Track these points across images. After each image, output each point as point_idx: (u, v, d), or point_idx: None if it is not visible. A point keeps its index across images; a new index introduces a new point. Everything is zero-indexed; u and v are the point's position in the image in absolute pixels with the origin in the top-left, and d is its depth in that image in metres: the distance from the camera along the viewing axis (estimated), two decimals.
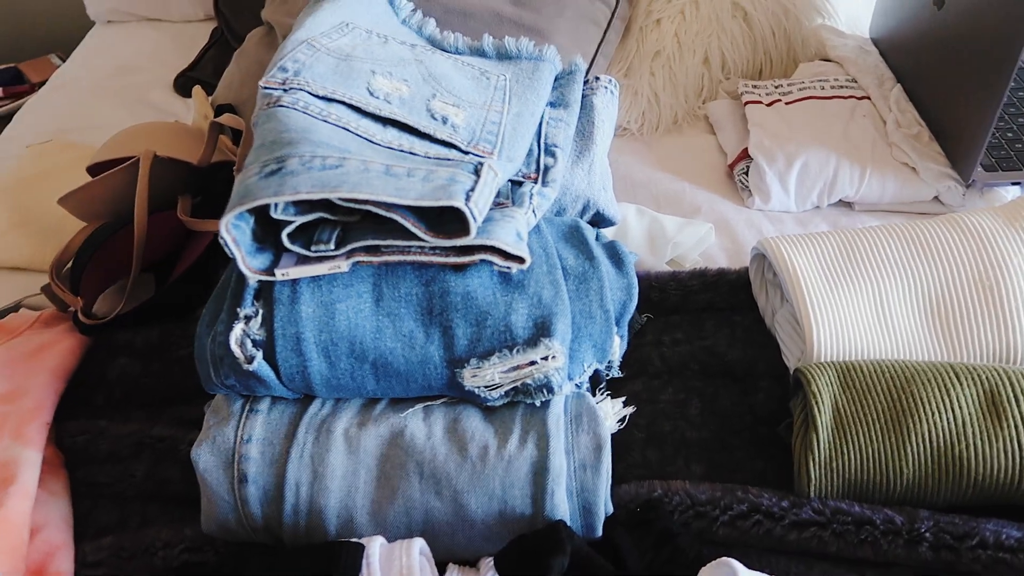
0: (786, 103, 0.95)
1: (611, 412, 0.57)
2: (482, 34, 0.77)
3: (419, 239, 0.52)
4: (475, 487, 0.53)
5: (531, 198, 0.59)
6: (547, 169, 0.64)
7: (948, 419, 0.54)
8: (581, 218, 0.70)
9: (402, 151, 0.59)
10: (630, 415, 0.63)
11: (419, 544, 0.50)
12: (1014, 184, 0.83)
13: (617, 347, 0.59)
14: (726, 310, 0.73)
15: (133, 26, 1.42)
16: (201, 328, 0.57)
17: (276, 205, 0.51)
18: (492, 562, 0.50)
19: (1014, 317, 0.61)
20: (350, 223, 0.55)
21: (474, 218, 0.51)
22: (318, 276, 0.55)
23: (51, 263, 0.79)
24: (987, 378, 0.55)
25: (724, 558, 0.48)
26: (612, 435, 0.58)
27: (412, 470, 0.54)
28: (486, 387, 0.54)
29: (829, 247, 0.67)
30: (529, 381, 0.53)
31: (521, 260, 0.54)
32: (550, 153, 0.65)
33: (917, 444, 0.53)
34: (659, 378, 0.69)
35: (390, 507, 0.53)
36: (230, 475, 0.55)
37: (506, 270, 0.54)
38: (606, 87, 0.75)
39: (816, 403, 0.55)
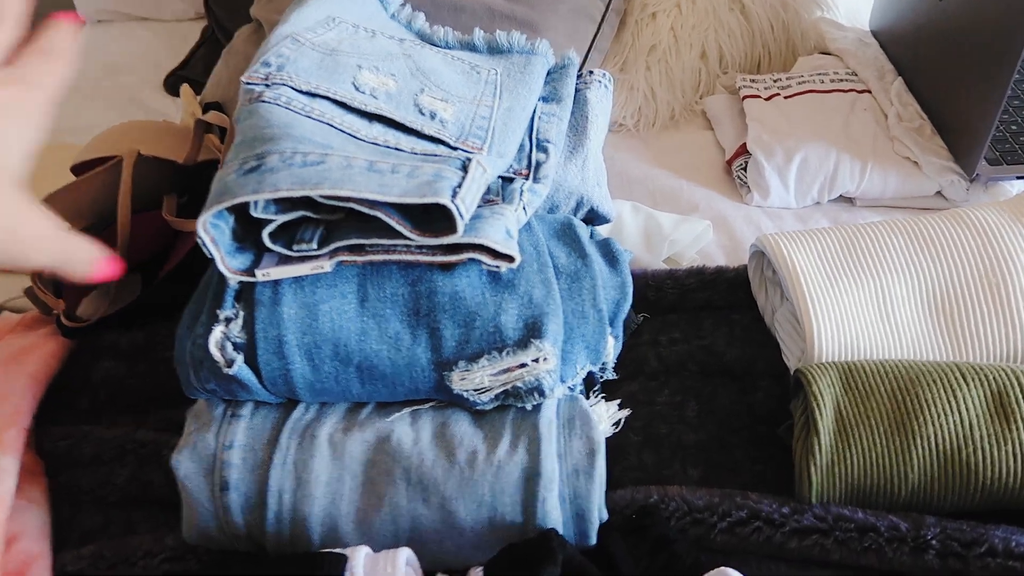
0: (785, 97, 0.93)
1: (605, 415, 0.56)
2: (473, 29, 0.75)
3: (404, 238, 0.50)
4: (464, 494, 0.51)
5: (521, 195, 0.57)
6: (539, 165, 0.62)
7: (955, 422, 0.52)
8: (574, 215, 0.68)
9: (387, 147, 0.57)
10: (626, 417, 0.62)
11: (405, 554, 0.48)
12: (1019, 178, 0.81)
13: (611, 348, 0.57)
14: (724, 308, 0.71)
15: (123, 25, 1.40)
16: (181, 330, 0.55)
17: (256, 203, 0.49)
18: (481, 572, 0.49)
19: (1021, 315, 0.59)
20: (333, 221, 0.53)
21: (461, 215, 0.49)
22: (301, 276, 0.53)
23: None
24: (994, 378, 0.53)
25: (723, 568, 0.46)
26: (607, 438, 0.56)
27: (399, 476, 0.52)
28: (475, 390, 0.52)
29: (830, 243, 0.65)
30: (519, 384, 0.51)
31: (511, 259, 0.52)
32: (542, 148, 0.63)
33: (922, 448, 0.51)
34: (656, 379, 0.67)
35: (376, 515, 0.52)
36: (211, 482, 0.53)
37: (495, 269, 0.52)
38: (600, 81, 0.73)
39: (817, 405, 0.54)
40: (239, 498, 0.53)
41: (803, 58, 1.01)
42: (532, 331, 0.51)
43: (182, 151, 0.82)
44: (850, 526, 0.51)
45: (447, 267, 0.53)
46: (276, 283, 0.52)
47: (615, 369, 0.64)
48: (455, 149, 0.59)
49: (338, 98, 0.60)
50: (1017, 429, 0.51)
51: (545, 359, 0.51)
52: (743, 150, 0.90)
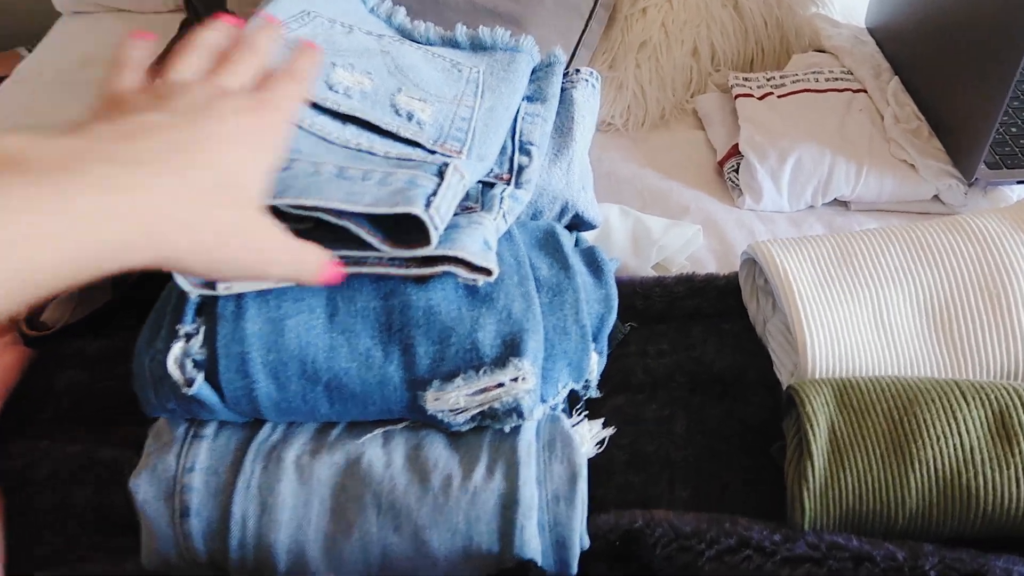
0: (779, 96, 0.90)
1: (588, 436, 0.53)
2: (456, 24, 0.72)
3: (376, 249, 0.47)
4: (437, 521, 0.48)
5: (502, 201, 0.54)
6: (521, 169, 0.59)
7: (955, 444, 0.49)
8: (560, 220, 0.65)
9: (360, 151, 0.55)
10: (611, 434, 0.59)
11: None
12: (1019, 183, 0.79)
13: (595, 364, 0.54)
14: (714, 317, 0.69)
15: (100, 17, 1.36)
16: (140, 345, 0.52)
17: None
18: None
19: (1022, 327, 0.57)
20: (301, 231, 0.50)
21: (435, 227, 0.46)
22: (266, 289, 0.50)
23: None
24: (996, 398, 0.51)
25: None
26: (591, 458, 0.54)
27: (369, 502, 0.49)
28: (450, 411, 0.49)
29: (824, 252, 0.62)
30: (497, 405, 0.48)
31: (488, 272, 0.49)
32: (525, 151, 0.60)
33: (921, 472, 0.49)
34: (643, 392, 0.64)
35: (345, 542, 0.49)
36: (171, 507, 0.50)
37: (472, 283, 0.49)
38: (587, 80, 0.70)
39: (811, 426, 0.51)
40: (201, 524, 0.50)
41: (797, 56, 0.98)
42: (510, 348, 0.48)
43: None
44: (844, 555, 0.48)
45: (421, 280, 0.50)
46: (239, 296, 0.49)
47: (600, 383, 0.61)
48: (432, 152, 0.56)
49: (308, 97, 0.57)
50: (1020, 452, 0.48)
51: (524, 378, 0.48)
52: (735, 151, 0.87)
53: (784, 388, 0.60)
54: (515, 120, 0.64)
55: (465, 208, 0.54)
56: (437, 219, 0.46)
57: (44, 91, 1.17)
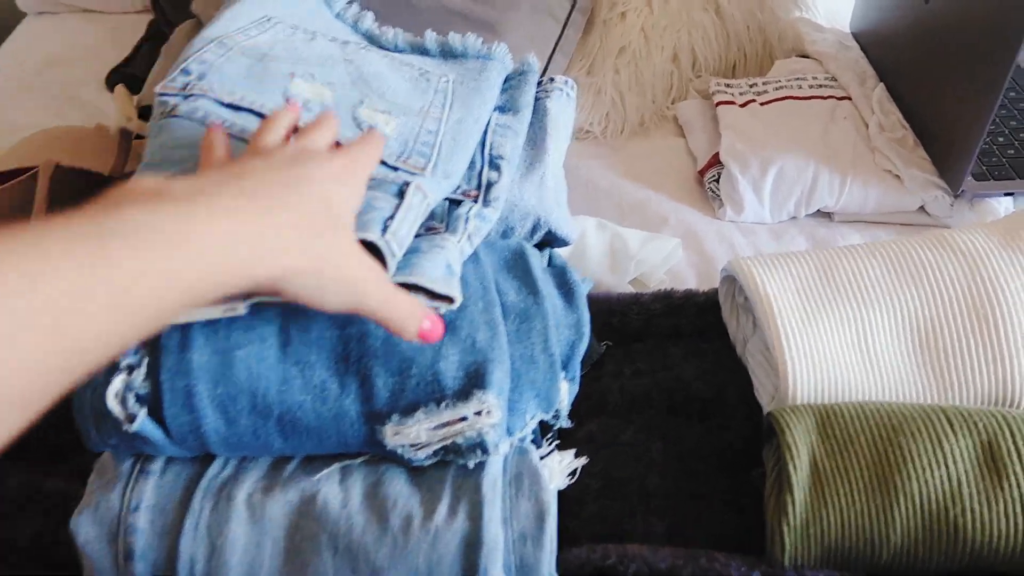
0: (761, 103, 0.88)
1: (558, 469, 0.50)
2: (426, 30, 0.69)
3: None
4: (397, 564, 0.45)
5: (467, 221, 0.51)
6: (490, 185, 0.56)
7: (941, 476, 0.47)
8: (532, 237, 0.62)
9: None
10: (585, 462, 0.56)
11: None
12: (1007, 195, 0.76)
13: (565, 393, 0.51)
14: (693, 336, 0.66)
15: (66, 18, 1.32)
16: None
17: None
18: None
19: (1011, 351, 0.55)
20: None
21: (392, 253, 0.43)
22: (214, 319, 0.47)
23: None
24: (984, 427, 0.49)
25: None
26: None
27: (325, 543, 0.46)
28: (411, 446, 0.46)
29: (806, 271, 0.60)
30: (460, 440, 0.45)
31: (451, 300, 0.46)
32: (494, 166, 0.58)
33: (906, 506, 0.46)
34: (618, 416, 0.62)
35: None
36: (115, 549, 0.47)
37: (433, 310, 0.46)
38: (561, 89, 0.67)
39: (791, 458, 0.48)
40: (146, 567, 0.47)
41: (780, 61, 0.96)
42: (474, 380, 0.46)
43: (111, 161, 0.76)
44: None
45: None
46: (185, 327, 0.46)
47: (574, 404, 0.59)
48: (395, 169, 0.53)
49: (264, 111, 0.54)
50: (1010, 486, 0.46)
51: (489, 412, 0.45)
52: (716, 160, 0.84)
53: (765, 412, 0.58)
54: (485, 132, 0.61)
55: (428, 228, 0.52)
56: (395, 244, 0.44)
57: (5, 96, 1.13)
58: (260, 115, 0.54)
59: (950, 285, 0.57)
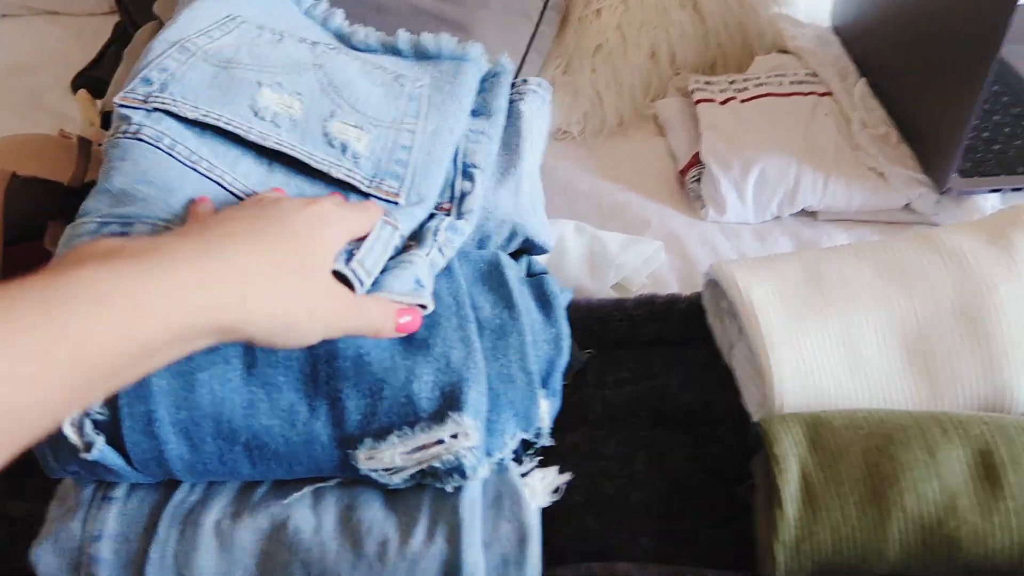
0: (741, 101, 0.86)
1: (540, 488, 0.48)
2: (397, 30, 0.67)
3: None
4: None
5: (436, 234, 0.49)
6: (463, 197, 0.54)
7: (935, 488, 0.45)
8: (508, 245, 0.60)
9: None
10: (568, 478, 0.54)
11: None
12: (993, 191, 0.75)
13: (545, 411, 0.50)
14: (677, 343, 0.64)
15: (30, 20, 1.28)
16: None
17: None
18: None
19: (1002, 354, 0.53)
20: None
21: (360, 281, 0.41)
22: None
23: None
24: (978, 434, 0.47)
25: None
26: None
27: (297, 571, 0.44)
28: (385, 470, 0.44)
29: (791, 274, 0.58)
30: (437, 464, 0.43)
31: (423, 307, 0.44)
32: (467, 176, 0.55)
33: (900, 521, 0.45)
34: (601, 427, 0.60)
35: None
36: None
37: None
38: (535, 91, 0.65)
39: (780, 472, 0.47)
40: None
41: (760, 57, 0.94)
42: (449, 402, 0.44)
43: (71, 170, 0.73)
44: None
45: None
46: None
47: (556, 415, 0.57)
48: (367, 197, 0.51)
49: (232, 127, 0.51)
50: (1005, 497, 0.45)
51: (466, 435, 0.43)
52: (697, 160, 0.83)
53: (752, 421, 0.56)
54: None
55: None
56: (361, 273, 0.42)
57: None
58: (226, 132, 0.51)
59: (938, 287, 0.56)
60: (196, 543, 0.45)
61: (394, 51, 0.66)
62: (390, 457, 0.43)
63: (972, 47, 0.67)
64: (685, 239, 0.78)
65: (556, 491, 0.51)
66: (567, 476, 0.52)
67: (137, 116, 0.51)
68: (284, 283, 0.37)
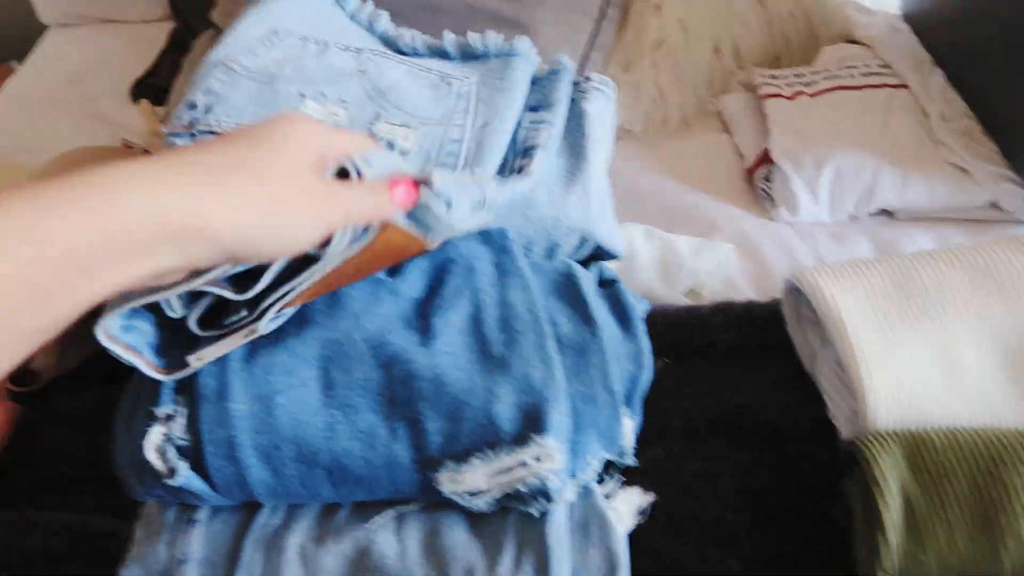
0: (811, 95, 0.83)
1: (625, 512, 0.46)
2: (455, 31, 0.65)
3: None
4: None
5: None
6: (522, 169, 0.53)
7: None
8: (578, 253, 0.58)
9: None
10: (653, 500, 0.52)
11: None
12: None
13: (629, 431, 0.48)
14: (757, 354, 0.62)
15: (88, 29, 1.30)
16: (118, 426, 0.46)
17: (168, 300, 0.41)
18: None
19: None
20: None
21: (356, 169, 0.40)
22: (251, 362, 0.44)
23: None
24: None
25: None
26: None
27: None
28: (468, 493, 0.43)
29: (879, 281, 0.56)
30: (521, 487, 0.42)
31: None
32: (528, 155, 0.54)
33: (1013, 549, 0.42)
34: (682, 442, 0.58)
35: None
36: None
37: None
38: (600, 89, 0.63)
39: (881, 495, 0.44)
40: None
41: (828, 49, 0.91)
42: (531, 424, 0.42)
43: None
44: None
45: (425, 343, 0.44)
46: (222, 372, 0.43)
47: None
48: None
49: None
50: None
51: (549, 457, 0.42)
52: (765, 157, 0.80)
53: (842, 437, 0.54)
54: (516, 131, 0.58)
55: None
56: (359, 162, 0.40)
57: (33, 112, 1.12)
58: None
59: None
60: (280, 567, 0.44)
61: (441, 53, 0.65)
62: (473, 480, 0.42)
63: None
64: (757, 241, 0.75)
65: (642, 513, 0.49)
66: (651, 497, 0.50)
67: (182, 142, 0.51)
68: (253, 187, 0.36)
